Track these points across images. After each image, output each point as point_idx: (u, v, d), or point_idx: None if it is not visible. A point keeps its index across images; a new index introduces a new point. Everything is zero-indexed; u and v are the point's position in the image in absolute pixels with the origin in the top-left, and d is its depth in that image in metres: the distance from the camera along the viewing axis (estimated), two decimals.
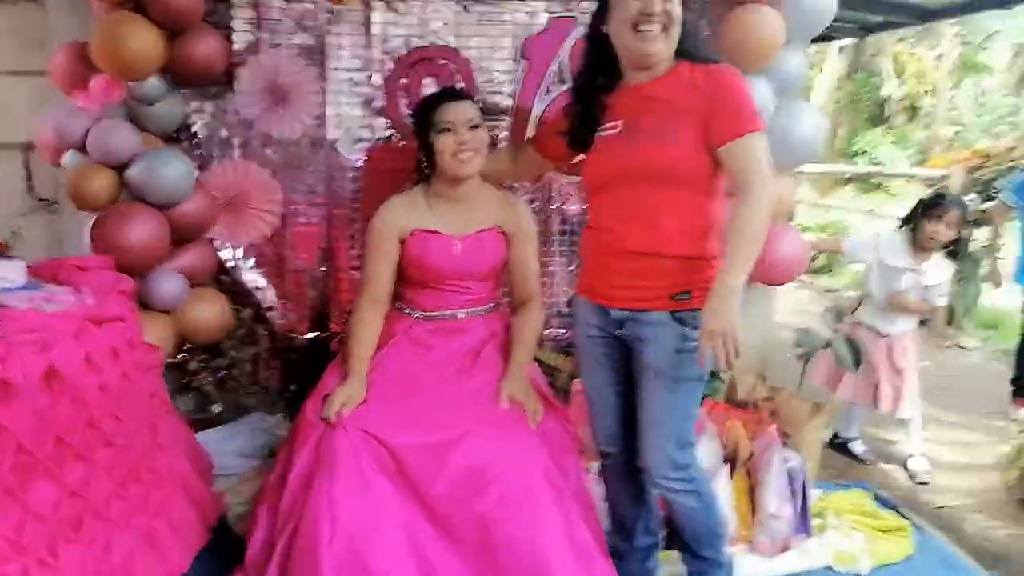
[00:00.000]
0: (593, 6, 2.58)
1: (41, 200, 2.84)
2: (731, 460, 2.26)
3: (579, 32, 2.66)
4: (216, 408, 2.65)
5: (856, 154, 11.97)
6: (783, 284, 2.75)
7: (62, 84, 2.45)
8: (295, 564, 1.66)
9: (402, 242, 1.98)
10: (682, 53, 1.67)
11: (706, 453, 2.14)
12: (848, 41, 9.64)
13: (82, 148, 2.34)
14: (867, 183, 11.28)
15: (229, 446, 2.41)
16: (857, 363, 2.76)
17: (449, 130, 1.90)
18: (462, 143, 1.90)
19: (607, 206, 1.73)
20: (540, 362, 2.37)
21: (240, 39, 2.61)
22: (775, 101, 2.45)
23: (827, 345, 2.80)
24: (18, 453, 1.45)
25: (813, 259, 7.20)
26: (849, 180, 11.44)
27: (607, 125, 1.71)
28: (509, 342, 2.04)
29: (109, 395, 1.66)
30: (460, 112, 1.92)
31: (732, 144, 1.61)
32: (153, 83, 2.41)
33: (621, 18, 1.62)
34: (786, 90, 2.52)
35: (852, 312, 3.12)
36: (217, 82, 2.60)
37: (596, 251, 1.78)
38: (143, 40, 2.27)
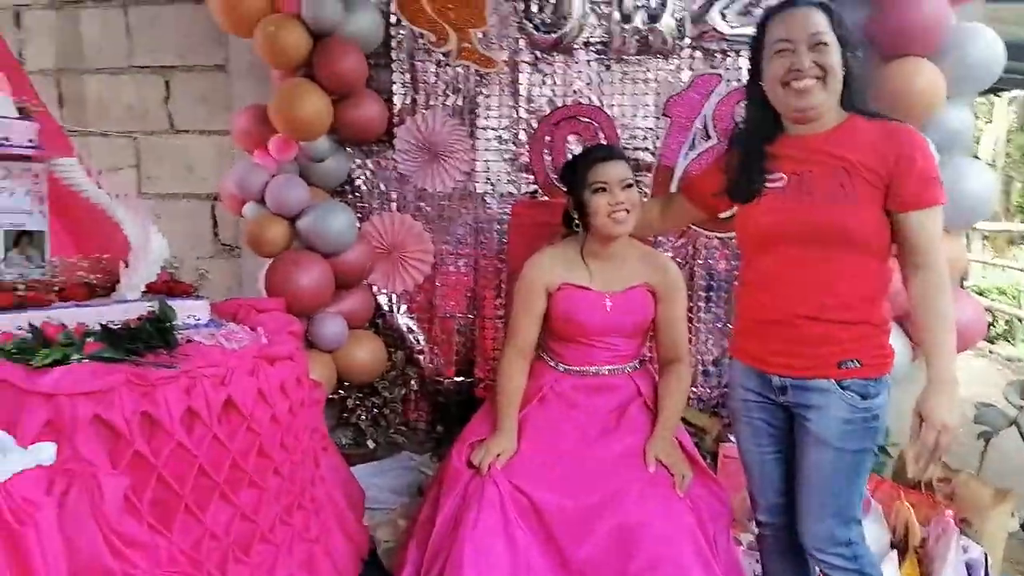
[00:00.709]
0: (737, 62, 2.65)
1: (224, 245, 3.16)
2: (900, 545, 2.07)
3: (724, 88, 2.65)
4: (370, 444, 2.78)
5: None
6: (960, 352, 2.53)
7: (244, 143, 2.73)
8: None
9: (550, 295, 2.00)
10: (852, 106, 1.61)
11: (871, 535, 1.97)
12: (1018, 92, 8.95)
13: (260, 200, 2.57)
14: None
15: (380, 481, 2.51)
16: None
17: (604, 190, 1.89)
18: (617, 203, 1.88)
19: (769, 265, 1.63)
20: (686, 422, 2.30)
21: (398, 101, 2.80)
22: (939, 157, 2.32)
23: (1012, 423, 2.53)
24: (199, 476, 1.58)
25: (990, 326, 6.61)
26: None
27: (771, 177, 1.65)
28: (655, 401, 1.98)
29: (278, 427, 1.78)
30: (614, 171, 1.91)
31: (916, 214, 1.52)
32: (322, 142, 2.62)
33: (772, 76, 1.59)
34: (952, 146, 2.38)
35: None
36: (378, 140, 2.80)
37: (755, 313, 1.68)
38: (314, 104, 2.49)
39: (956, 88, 2.27)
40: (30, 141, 1.85)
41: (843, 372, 1.56)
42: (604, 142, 2.69)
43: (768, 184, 1.62)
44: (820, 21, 1.54)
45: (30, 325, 1.60)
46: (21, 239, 1.93)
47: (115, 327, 1.68)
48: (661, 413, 1.93)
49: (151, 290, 1.91)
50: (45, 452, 1.22)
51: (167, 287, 1.95)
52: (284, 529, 1.78)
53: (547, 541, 1.72)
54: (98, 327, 1.68)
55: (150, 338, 1.68)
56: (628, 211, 1.90)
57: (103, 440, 1.47)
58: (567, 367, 2.01)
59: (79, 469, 1.39)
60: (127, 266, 1.89)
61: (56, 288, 1.82)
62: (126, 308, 1.80)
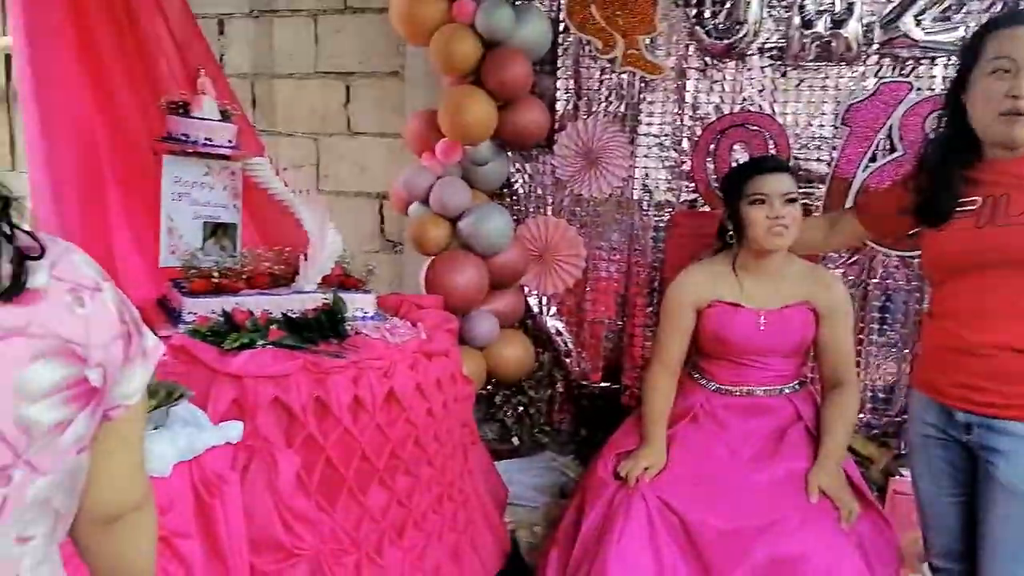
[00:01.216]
0: (931, 70, 2.43)
1: (388, 241, 3.33)
2: None
3: (914, 98, 2.45)
4: (515, 441, 2.83)
5: None
6: None
7: (414, 146, 2.85)
8: None
9: (699, 312, 1.94)
10: None
11: None
12: None
13: (425, 201, 2.68)
14: None
15: (523, 478, 2.55)
16: None
17: (763, 202, 1.81)
18: (776, 217, 1.79)
19: (960, 293, 1.52)
20: (852, 451, 2.14)
21: (561, 107, 2.82)
22: None
23: None
24: (362, 460, 1.68)
25: None
26: None
27: (964, 201, 1.52)
28: (817, 426, 1.87)
29: (433, 420, 1.85)
30: (776, 184, 1.82)
31: None
32: (485, 147, 2.69)
33: (983, 97, 1.45)
34: None
35: None
36: (538, 145, 2.84)
37: (942, 344, 1.57)
38: (480, 110, 2.56)
39: None
40: (229, 141, 2.03)
41: None
42: (773, 152, 2.57)
43: (962, 209, 1.50)
44: None
45: (222, 311, 1.76)
46: (217, 230, 2.13)
47: (294, 316, 1.82)
48: (825, 439, 1.81)
49: (325, 282, 2.04)
50: (234, 430, 1.34)
51: (340, 280, 2.08)
52: (435, 517, 1.85)
53: (695, 560, 1.67)
54: (280, 315, 1.82)
55: (324, 329, 1.81)
56: (787, 227, 1.80)
57: (280, 421, 1.60)
58: (718, 386, 1.94)
59: (258, 446, 1.52)
60: (306, 259, 2.03)
61: (244, 277, 1.99)
62: (304, 298, 1.94)
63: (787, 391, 1.92)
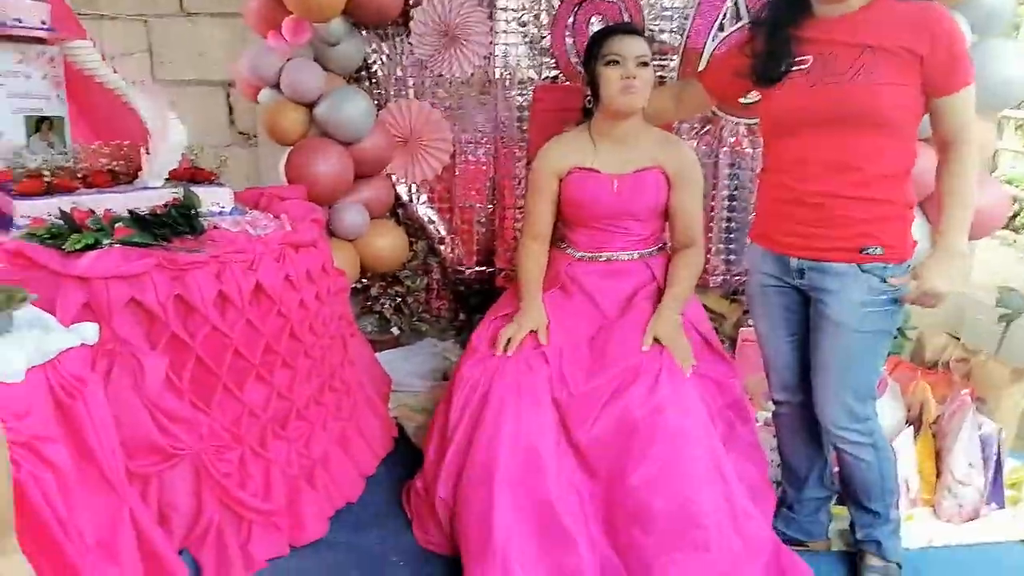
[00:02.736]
0: None
1: (241, 133, 3.12)
2: (916, 422, 2.13)
3: None
4: (394, 331, 2.84)
5: None
6: (980, 238, 2.51)
7: (256, 25, 2.63)
8: (474, 462, 1.72)
9: (561, 181, 2.00)
10: None
11: (888, 411, 2.02)
12: None
13: (276, 86, 2.52)
14: None
15: (406, 366, 2.59)
16: None
17: (617, 63, 1.87)
18: (628, 77, 1.86)
19: (792, 148, 1.62)
20: (707, 308, 2.32)
21: None
22: (974, 37, 2.22)
23: None
24: (235, 357, 1.64)
25: (1016, 215, 6.50)
26: None
27: (796, 60, 1.60)
28: None
29: (306, 312, 1.82)
30: (630, 46, 1.88)
31: (950, 98, 1.51)
32: (336, 24, 2.53)
33: None
34: (988, 27, 2.27)
35: None
36: (394, 23, 2.70)
37: (776, 196, 1.68)
38: None
39: None
40: (43, 22, 1.81)
41: (864, 257, 1.57)
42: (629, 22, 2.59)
43: (794, 68, 1.59)
44: None
45: (59, 211, 1.61)
46: (42, 125, 1.92)
47: (142, 213, 1.70)
48: (667, 290, 1.94)
49: (174, 177, 1.91)
50: (89, 331, 1.26)
51: (190, 174, 1.95)
52: (317, 408, 1.86)
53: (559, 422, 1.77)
54: (126, 213, 1.69)
55: (177, 224, 1.70)
56: (639, 87, 1.87)
57: (140, 322, 1.52)
58: (582, 254, 2.03)
59: (119, 349, 1.44)
60: (148, 153, 1.88)
61: (80, 175, 1.82)
62: (150, 195, 1.81)
63: (646, 255, 2.02)
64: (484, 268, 2.89)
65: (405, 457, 2.17)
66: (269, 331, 1.70)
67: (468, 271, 2.90)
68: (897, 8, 1.52)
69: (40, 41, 1.84)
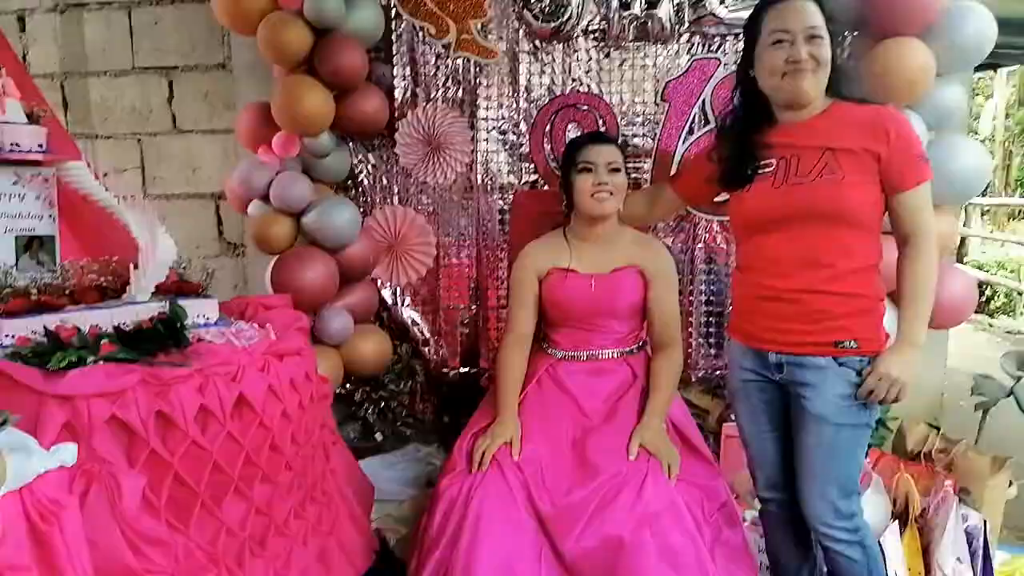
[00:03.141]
0: (736, 45, 2.65)
1: (229, 244, 3.19)
2: (901, 516, 2.11)
3: (722, 73, 2.66)
4: (378, 437, 2.82)
5: None
6: (952, 327, 2.56)
7: (247, 141, 2.74)
8: None
9: (541, 282, 2.05)
10: (837, 92, 1.65)
11: (873, 507, 2.01)
12: (1017, 67, 8.88)
13: (265, 198, 2.60)
14: None
15: (390, 474, 2.55)
16: None
17: (589, 170, 1.96)
18: (600, 183, 1.95)
19: (763, 246, 1.69)
20: (689, 403, 2.33)
21: (399, 95, 2.82)
22: (931, 135, 2.34)
23: (1009, 394, 2.56)
24: (214, 472, 1.62)
25: (990, 300, 6.61)
26: None
27: (761, 164, 1.69)
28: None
29: (289, 422, 1.82)
30: (601, 154, 1.98)
31: (907, 194, 1.60)
32: (325, 138, 2.64)
33: (768, 66, 1.63)
34: (945, 123, 2.39)
35: None
36: (380, 135, 2.82)
37: (752, 293, 1.73)
38: (316, 99, 2.50)
39: (947, 66, 2.28)
40: (39, 146, 1.88)
41: (840, 351, 1.60)
42: (603, 129, 2.71)
43: (761, 171, 1.67)
44: (815, 14, 1.59)
45: (44, 329, 1.63)
46: (32, 244, 1.97)
47: (128, 328, 1.72)
48: (650, 398, 1.95)
49: (161, 291, 1.94)
50: (67, 453, 1.26)
51: (177, 287, 1.98)
52: (298, 523, 1.82)
53: (543, 528, 1.75)
54: (111, 329, 1.71)
55: (162, 338, 1.72)
56: (612, 193, 1.95)
57: (120, 440, 1.51)
58: (563, 352, 2.05)
59: (98, 469, 1.43)
60: (136, 268, 1.92)
61: (68, 291, 1.85)
62: (137, 309, 1.83)
63: (627, 353, 2.05)
64: (468, 369, 2.91)
65: (388, 571, 2.10)
66: (250, 444, 1.69)
67: (452, 373, 2.91)
68: (854, 111, 1.62)
69: (36, 163, 1.91)
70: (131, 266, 1.93)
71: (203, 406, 1.62)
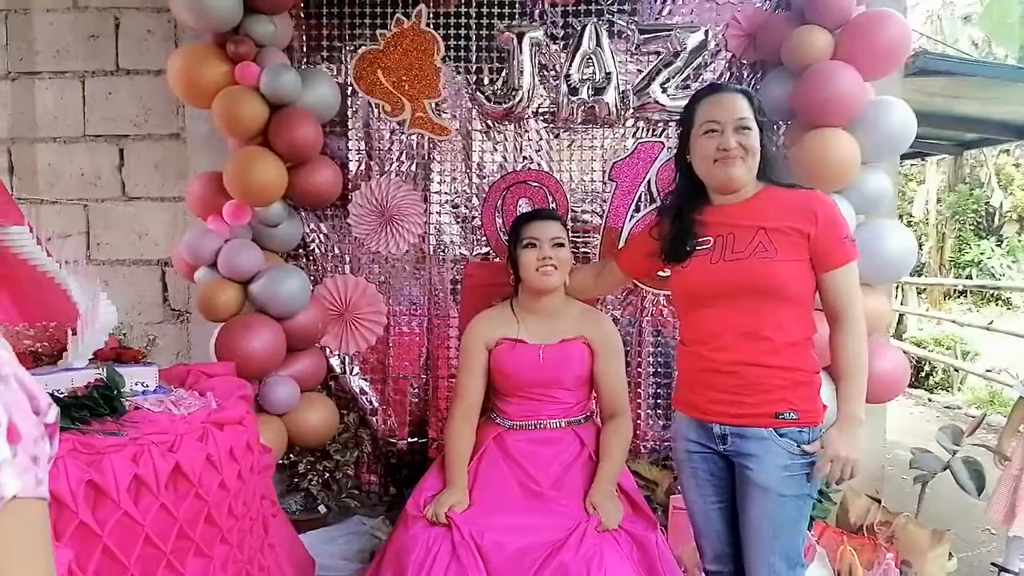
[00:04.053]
0: (679, 130, 2.78)
1: (173, 310, 3.13)
2: None
3: (666, 155, 2.79)
4: (322, 509, 2.73)
5: (968, 265, 11.46)
6: (887, 400, 2.65)
7: (198, 209, 2.74)
8: None
9: (490, 351, 2.07)
10: (767, 177, 1.75)
11: None
12: (944, 156, 9.47)
13: (213, 265, 2.58)
14: (981, 295, 10.74)
15: (332, 548, 2.47)
16: (980, 489, 2.55)
17: (534, 245, 2.01)
18: (544, 258, 2.00)
19: (703, 319, 1.74)
20: (637, 475, 2.33)
21: (353, 167, 2.87)
22: (860, 219, 2.48)
23: (946, 467, 2.63)
24: (145, 545, 1.56)
25: (928, 375, 6.82)
26: (963, 292, 10.96)
27: (699, 241, 1.76)
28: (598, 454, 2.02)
29: (227, 494, 1.76)
30: (545, 230, 2.04)
31: (834, 272, 1.67)
32: (276, 208, 2.66)
33: (701, 154, 1.73)
34: (873, 208, 2.54)
35: (972, 433, 2.80)
36: (332, 205, 2.85)
37: (694, 366, 1.77)
38: (269, 170, 2.54)
39: (872, 155, 2.44)
40: None
41: (780, 422, 1.64)
42: (553, 205, 2.79)
43: (699, 248, 1.74)
44: (745, 107, 1.69)
45: None
46: None
47: (61, 395, 1.67)
48: (600, 464, 1.97)
49: (99, 357, 1.90)
50: None
51: (115, 354, 1.94)
52: None
53: None
54: None
55: (97, 406, 1.67)
56: (556, 267, 2.00)
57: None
58: (512, 422, 2.05)
59: None
60: (75, 333, 1.88)
61: None
62: (73, 376, 1.78)
63: (574, 423, 2.06)
64: (417, 439, 2.87)
65: None
66: (184, 516, 1.63)
67: (400, 443, 2.88)
68: (784, 195, 1.71)
69: None
70: (69, 332, 1.89)
71: (136, 476, 1.56)
